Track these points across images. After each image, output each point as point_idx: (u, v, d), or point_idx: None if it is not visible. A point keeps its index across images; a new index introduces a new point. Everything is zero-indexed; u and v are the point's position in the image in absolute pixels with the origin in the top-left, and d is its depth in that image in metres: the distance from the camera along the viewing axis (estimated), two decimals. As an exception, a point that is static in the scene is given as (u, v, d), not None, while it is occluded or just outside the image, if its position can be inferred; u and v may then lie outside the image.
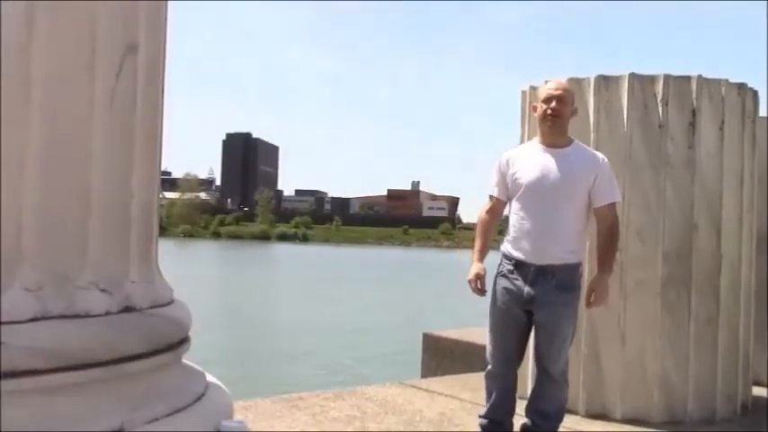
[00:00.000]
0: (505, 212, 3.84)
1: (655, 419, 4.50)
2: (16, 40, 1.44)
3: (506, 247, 3.72)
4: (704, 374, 4.62)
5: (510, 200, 3.76)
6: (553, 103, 3.66)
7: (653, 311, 4.55)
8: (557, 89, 3.72)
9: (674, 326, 4.57)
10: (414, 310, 24.47)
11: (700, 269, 4.62)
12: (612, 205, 3.74)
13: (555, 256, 3.60)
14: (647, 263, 4.57)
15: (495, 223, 3.88)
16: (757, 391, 5.21)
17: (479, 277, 3.65)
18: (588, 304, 3.70)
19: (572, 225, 3.64)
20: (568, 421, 4.29)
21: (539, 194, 3.63)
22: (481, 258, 3.73)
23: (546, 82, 3.90)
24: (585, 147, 3.92)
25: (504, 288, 3.68)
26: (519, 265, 3.64)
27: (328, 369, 14.29)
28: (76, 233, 1.55)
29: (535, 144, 3.79)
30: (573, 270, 3.65)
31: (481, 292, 3.67)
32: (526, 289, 3.60)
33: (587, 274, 4.05)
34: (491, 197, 3.82)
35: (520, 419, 3.80)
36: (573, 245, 3.64)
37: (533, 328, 3.72)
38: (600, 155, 3.83)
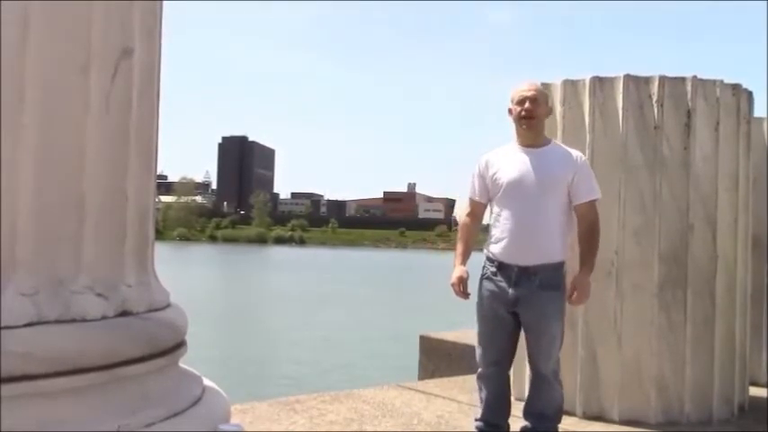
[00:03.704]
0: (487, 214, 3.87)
1: (652, 421, 4.51)
2: (11, 42, 1.44)
3: (489, 249, 3.73)
4: (701, 376, 4.63)
5: (491, 202, 3.78)
6: (527, 104, 3.69)
7: (649, 313, 4.55)
8: (529, 90, 3.74)
9: (671, 327, 4.57)
10: (425, 313, 24.40)
11: (696, 270, 4.63)
12: (592, 203, 3.74)
13: (537, 255, 3.61)
14: (644, 264, 4.58)
15: (477, 226, 3.90)
16: (754, 391, 5.22)
17: (462, 280, 3.68)
18: (570, 302, 3.72)
19: (553, 224, 3.64)
20: (566, 423, 4.29)
21: (518, 194, 3.64)
22: (463, 261, 3.76)
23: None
24: (563, 145, 3.94)
25: (489, 291, 3.69)
26: (502, 267, 3.65)
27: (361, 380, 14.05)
28: (72, 237, 1.54)
29: (513, 145, 3.81)
30: (556, 269, 3.65)
31: (464, 295, 3.69)
32: (510, 290, 3.61)
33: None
34: (471, 200, 3.85)
35: (519, 422, 3.80)
36: (554, 244, 3.64)
37: (522, 329, 3.73)
38: (577, 152, 3.84)
